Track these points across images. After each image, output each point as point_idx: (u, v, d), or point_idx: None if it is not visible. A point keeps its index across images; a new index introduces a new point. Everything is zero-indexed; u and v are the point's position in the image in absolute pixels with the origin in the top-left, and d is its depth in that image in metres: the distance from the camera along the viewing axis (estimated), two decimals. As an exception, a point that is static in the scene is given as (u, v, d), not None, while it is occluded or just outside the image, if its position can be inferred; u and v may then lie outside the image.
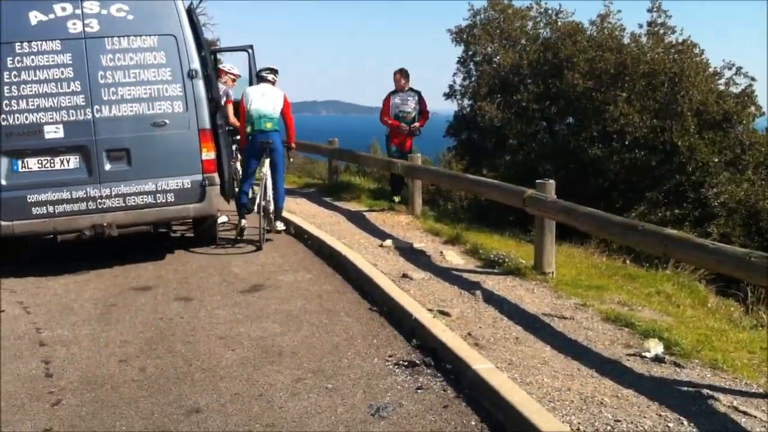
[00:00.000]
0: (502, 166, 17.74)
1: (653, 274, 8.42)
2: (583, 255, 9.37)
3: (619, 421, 4.03)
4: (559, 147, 16.88)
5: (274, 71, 9.62)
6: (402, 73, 11.90)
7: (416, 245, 8.77)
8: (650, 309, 6.45)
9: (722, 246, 5.42)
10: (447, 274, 7.44)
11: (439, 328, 5.55)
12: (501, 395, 4.27)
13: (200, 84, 8.34)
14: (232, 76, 10.82)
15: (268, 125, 9.21)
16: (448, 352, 5.10)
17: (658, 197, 15.34)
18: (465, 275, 7.42)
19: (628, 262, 9.40)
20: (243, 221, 9.52)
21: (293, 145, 10.11)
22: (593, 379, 4.68)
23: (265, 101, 9.26)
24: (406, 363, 5.12)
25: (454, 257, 8.22)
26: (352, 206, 11.94)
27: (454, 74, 19.71)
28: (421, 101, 11.92)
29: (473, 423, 4.20)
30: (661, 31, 17.03)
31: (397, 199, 11.87)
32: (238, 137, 10.01)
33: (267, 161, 9.31)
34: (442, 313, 6.03)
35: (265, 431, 4.17)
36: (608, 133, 15.85)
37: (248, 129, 9.26)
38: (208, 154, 8.39)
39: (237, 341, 5.73)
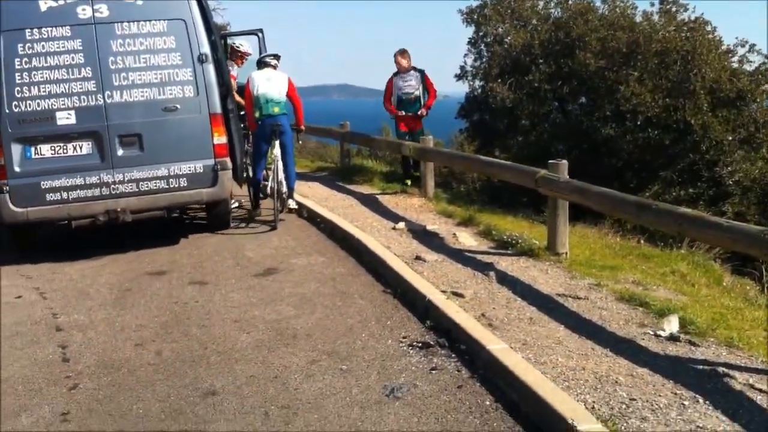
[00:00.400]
0: (515, 147, 17.68)
1: (668, 253, 8.39)
2: (597, 235, 9.33)
3: (634, 399, 4.02)
4: (571, 127, 16.82)
5: (277, 56, 9.78)
6: (402, 54, 11.62)
7: (429, 227, 8.76)
8: (665, 288, 6.42)
9: (737, 224, 5.38)
10: (460, 256, 7.42)
11: (452, 309, 5.55)
12: (515, 375, 4.27)
13: (210, 68, 8.35)
14: (239, 53, 10.68)
15: (276, 109, 9.39)
16: (462, 333, 5.10)
17: (672, 176, 15.27)
18: (478, 257, 7.41)
19: (642, 241, 9.36)
20: (257, 210, 9.75)
21: (303, 127, 10.26)
22: (608, 358, 4.67)
23: (271, 85, 9.41)
24: (420, 344, 5.13)
25: (467, 239, 8.21)
26: (365, 189, 11.92)
27: (465, 55, 19.65)
28: (424, 80, 11.65)
29: (488, 403, 4.21)
30: (673, 9, 16.91)
31: (409, 182, 11.82)
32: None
33: (277, 143, 9.41)
34: (456, 294, 6.02)
35: (280, 413, 4.19)
36: (621, 113, 15.77)
37: (257, 114, 9.41)
38: (220, 139, 8.41)
39: (252, 324, 5.76)
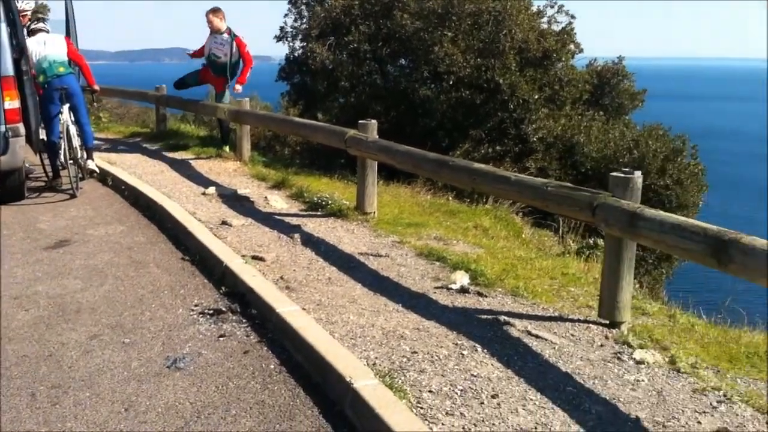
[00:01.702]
0: (336, 109, 17.65)
1: (473, 209, 8.66)
2: (410, 194, 9.49)
3: (416, 352, 4.07)
4: (390, 88, 16.95)
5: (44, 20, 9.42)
6: (215, 12, 10.81)
7: (240, 191, 8.57)
8: (464, 243, 6.61)
9: (523, 177, 5.59)
10: (269, 219, 7.30)
11: (248, 273, 5.41)
12: (301, 336, 4.20)
13: (2, 28, 7.72)
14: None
15: (61, 69, 8.86)
16: (256, 297, 4.98)
17: (482, 135, 15.75)
18: (287, 219, 7.32)
19: (450, 198, 9.62)
20: (57, 180, 9.20)
21: (96, 87, 9.70)
22: (398, 313, 4.72)
23: (48, 48, 8.90)
24: (212, 311, 4.95)
25: (278, 202, 8.10)
26: (179, 155, 11.48)
27: (285, 15, 19.29)
28: (235, 45, 10.79)
29: (272, 366, 4.11)
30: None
31: (227, 148, 11.40)
32: None
33: (66, 107, 8.88)
34: (256, 258, 5.89)
35: (49, 393, 3.89)
36: (438, 74, 16.05)
37: (41, 78, 8.80)
38: (12, 103, 7.87)
39: (33, 300, 5.35)
